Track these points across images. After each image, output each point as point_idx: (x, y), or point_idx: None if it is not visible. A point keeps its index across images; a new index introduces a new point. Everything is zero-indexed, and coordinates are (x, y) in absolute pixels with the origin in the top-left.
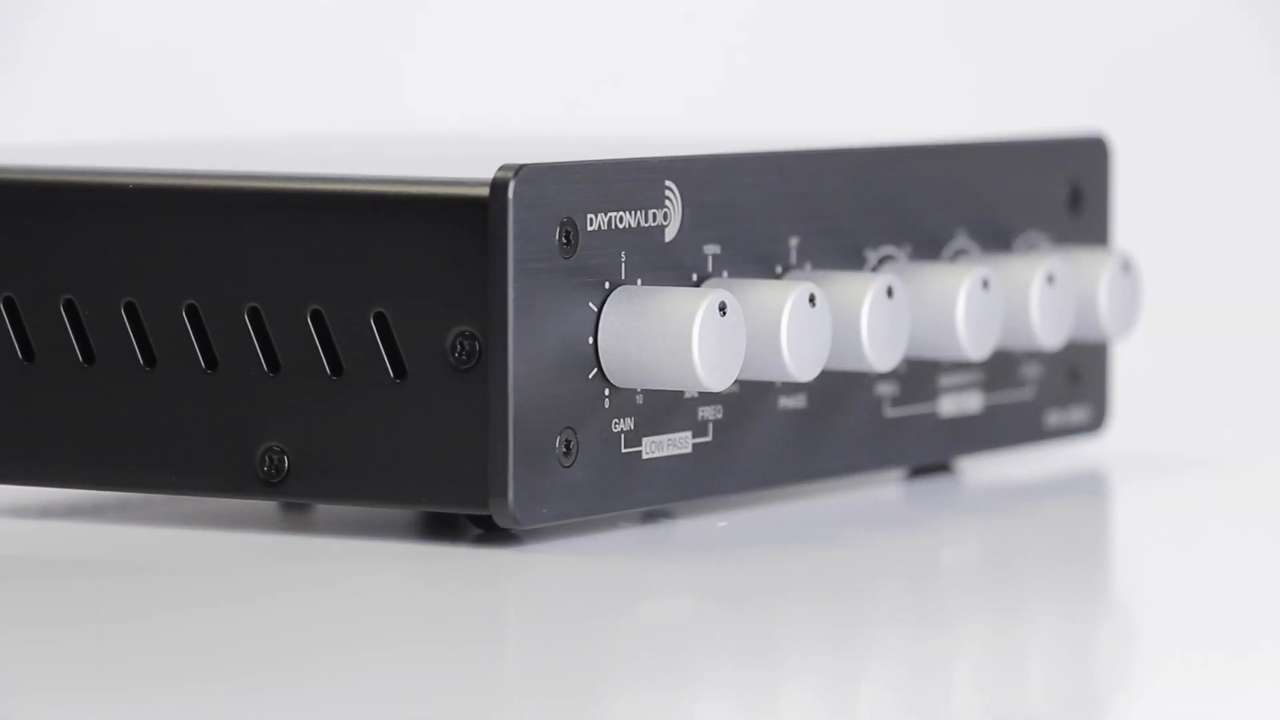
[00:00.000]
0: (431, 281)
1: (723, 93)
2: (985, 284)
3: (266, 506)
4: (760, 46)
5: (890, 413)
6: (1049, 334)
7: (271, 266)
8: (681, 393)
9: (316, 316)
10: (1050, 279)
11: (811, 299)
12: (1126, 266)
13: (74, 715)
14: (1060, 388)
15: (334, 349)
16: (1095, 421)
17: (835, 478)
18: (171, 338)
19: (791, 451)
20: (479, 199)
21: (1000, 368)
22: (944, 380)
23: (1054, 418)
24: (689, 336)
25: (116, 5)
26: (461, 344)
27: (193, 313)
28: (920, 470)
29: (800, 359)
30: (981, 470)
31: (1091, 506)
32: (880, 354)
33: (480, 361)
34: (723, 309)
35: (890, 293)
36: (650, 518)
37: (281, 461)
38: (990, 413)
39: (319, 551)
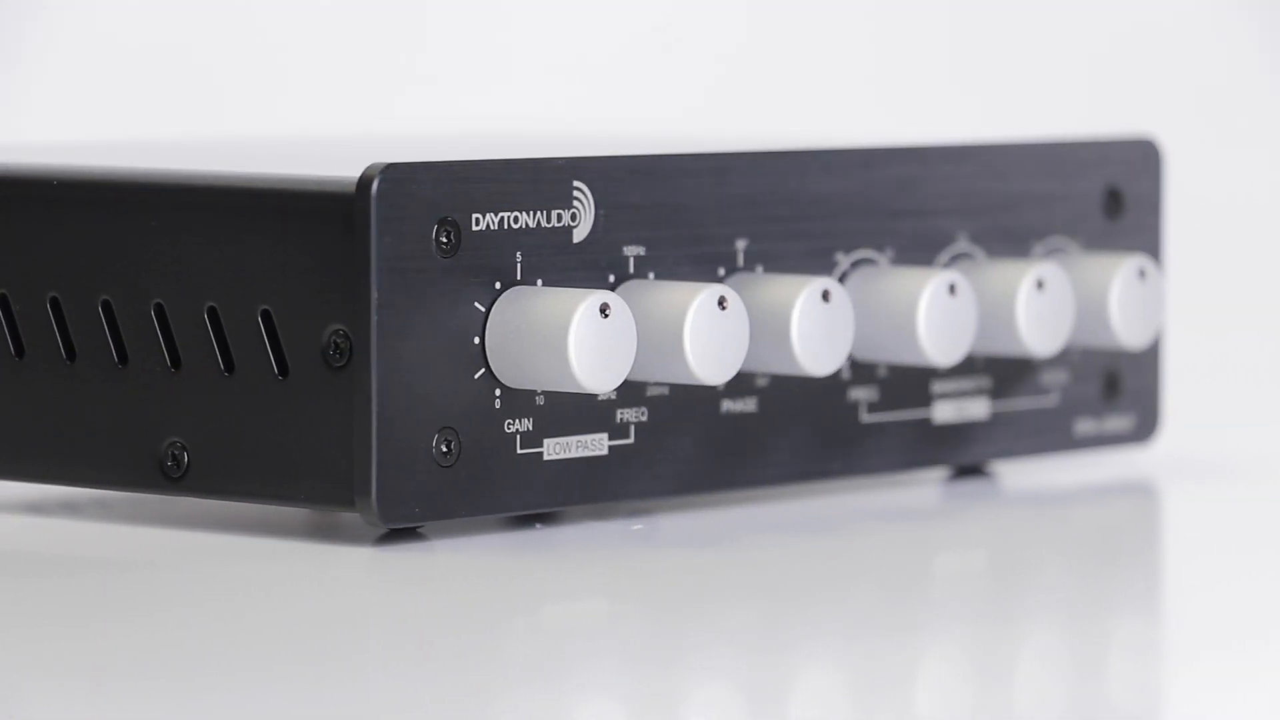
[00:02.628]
0: (310, 279)
1: (724, 94)
2: (952, 288)
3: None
4: (757, 46)
5: (867, 418)
6: (1039, 340)
7: (173, 263)
8: (595, 394)
9: (212, 313)
10: (1040, 284)
11: (721, 301)
12: (1143, 273)
13: None
14: (1093, 395)
15: (227, 346)
16: (1142, 431)
17: (787, 484)
18: (89, 333)
19: (736, 456)
20: (347, 197)
21: (1015, 374)
22: (939, 387)
23: (1086, 426)
24: (565, 337)
25: (115, 5)
26: (336, 342)
27: (107, 308)
28: (960, 473)
29: (703, 360)
30: (1017, 476)
31: (1128, 513)
32: (813, 358)
33: (351, 360)
34: (604, 310)
35: (826, 296)
36: (571, 519)
37: (182, 457)
38: (1000, 420)
39: (225, 550)
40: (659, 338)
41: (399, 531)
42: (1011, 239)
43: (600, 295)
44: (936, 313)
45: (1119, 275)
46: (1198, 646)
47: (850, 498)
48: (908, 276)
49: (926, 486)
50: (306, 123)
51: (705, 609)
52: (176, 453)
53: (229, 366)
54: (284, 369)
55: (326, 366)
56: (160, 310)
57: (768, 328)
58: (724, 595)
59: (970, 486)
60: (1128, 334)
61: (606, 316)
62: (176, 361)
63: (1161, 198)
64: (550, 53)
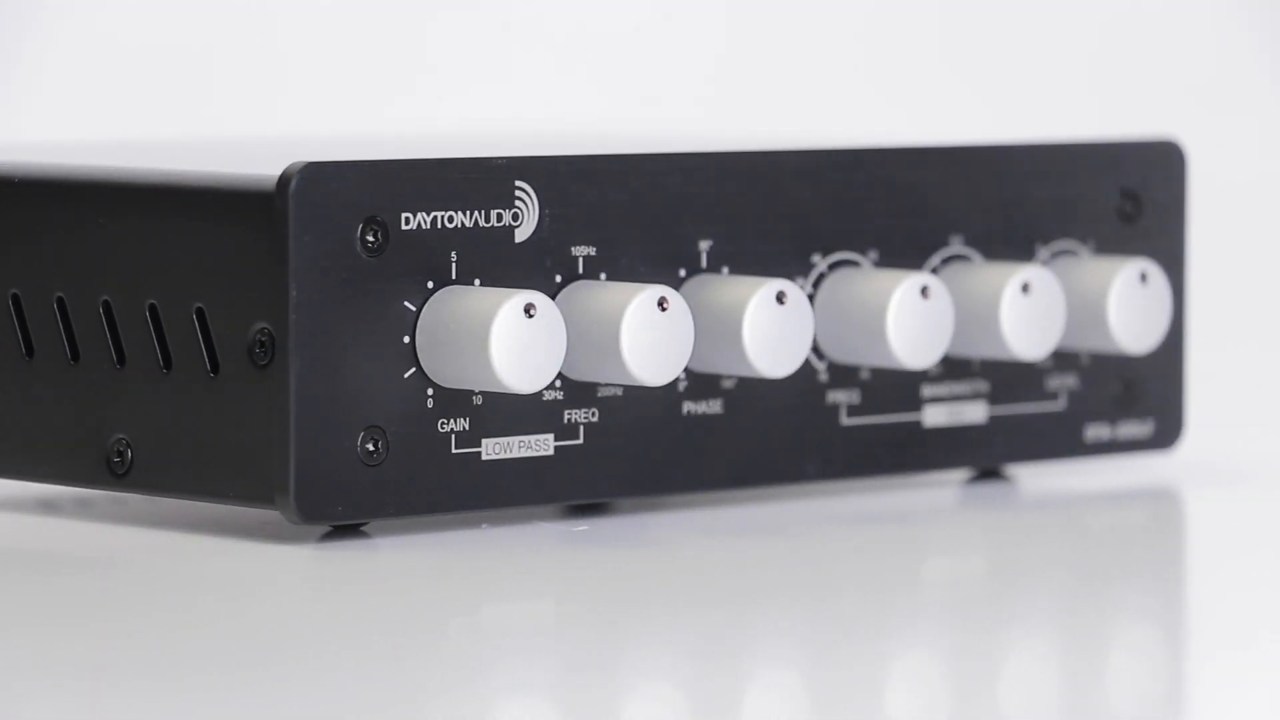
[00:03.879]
0: (239, 278)
1: (733, 96)
2: (924, 291)
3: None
4: (759, 47)
5: (848, 421)
6: (1024, 343)
7: (120, 260)
8: (540, 394)
9: (153, 310)
10: (1025, 288)
11: (661, 302)
12: (1145, 277)
13: None
14: (1107, 401)
15: (165, 343)
16: (1164, 437)
17: (755, 487)
18: (46, 330)
19: (697, 459)
20: (269, 195)
21: (1016, 378)
22: (929, 390)
23: (1099, 432)
24: (487, 337)
25: (114, 5)
26: (260, 340)
27: (61, 305)
28: (980, 477)
29: (641, 361)
30: (1035, 481)
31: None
32: (766, 360)
33: (274, 358)
34: (529, 310)
35: (781, 298)
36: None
37: (127, 453)
38: (1001, 425)
39: (167, 548)
40: (599, 338)
41: (342, 530)
42: (1014, 242)
43: (526, 295)
44: (907, 315)
45: (1118, 279)
46: (1211, 654)
47: (844, 500)
48: (880, 279)
49: (945, 489)
50: (304, 123)
51: (650, 612)
52: (122, 449)
53: (167, 363)
54: (215, 366)
55: (252, 364)
56: (108, 307)
57: (721, 330)
58: (674, 599)
59: (985, 490)
60: (1128, 338)
61: (532, 316)
62: (122, 358)
63: (1185, 201)
64: (548, 54)
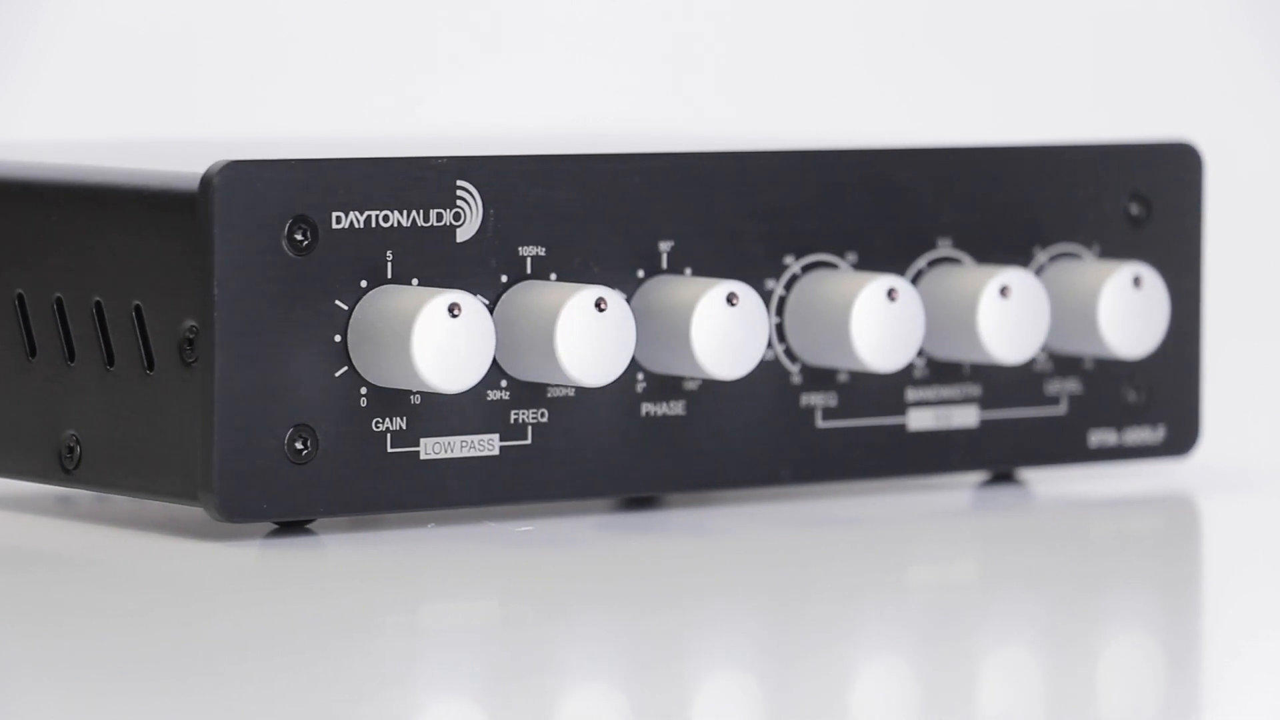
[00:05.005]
0: (172, 275)
1: (752, 97)
2: (891, 294)
3: None
4: (763, 47)
5: (824, 424)
6: (1003, 346)
7: (71, 258)
8: (484, 394)
9: (98, 308)
10: (1004, 290)
11: (599, 303)
12: (1138, 280)
13: None
14: (1114, 406)
15: (109, 340)
16: (1177, 444)
17: (721, 489)
18: (4, 326)
19: (656, 460)
20: (194, 194)
21: (1012, 382)
22: (915, 394)
23: (1105, 438)
24: (409, 336)
25: (111, 4)
26: (189, 338)
27: (20, 302)
28: (994, 480)
29: (577, 361)
30: (1047, 486)
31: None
32: (716, 361)
33: (200, 356)
34: (453, 310)
35: (732, 300)
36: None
37: (76, 449)
38: (994, 429)
39: (111, 545)
40: (536, 338)
41: (288, 528)
42: (1010, 245)
43: (451, 295)
44: (873, 318)
45: (1110, 283)
46: (1204, 664)
47: (835, 502)
48: (846, 281)
49: (958, 492)
50: (303, 123)
51: (590, 614)
52: (71, 445)
53: (109, 360)
54: (150, 363)
55: (182, 362)
56: (60, 304)
57: (672, 331)
58: (619, 599)
59: (994, 495)
60: (1120, 342)
61: (456, 316)
62: (72, 354)
63: (1201, 204)
64: (528, 54)
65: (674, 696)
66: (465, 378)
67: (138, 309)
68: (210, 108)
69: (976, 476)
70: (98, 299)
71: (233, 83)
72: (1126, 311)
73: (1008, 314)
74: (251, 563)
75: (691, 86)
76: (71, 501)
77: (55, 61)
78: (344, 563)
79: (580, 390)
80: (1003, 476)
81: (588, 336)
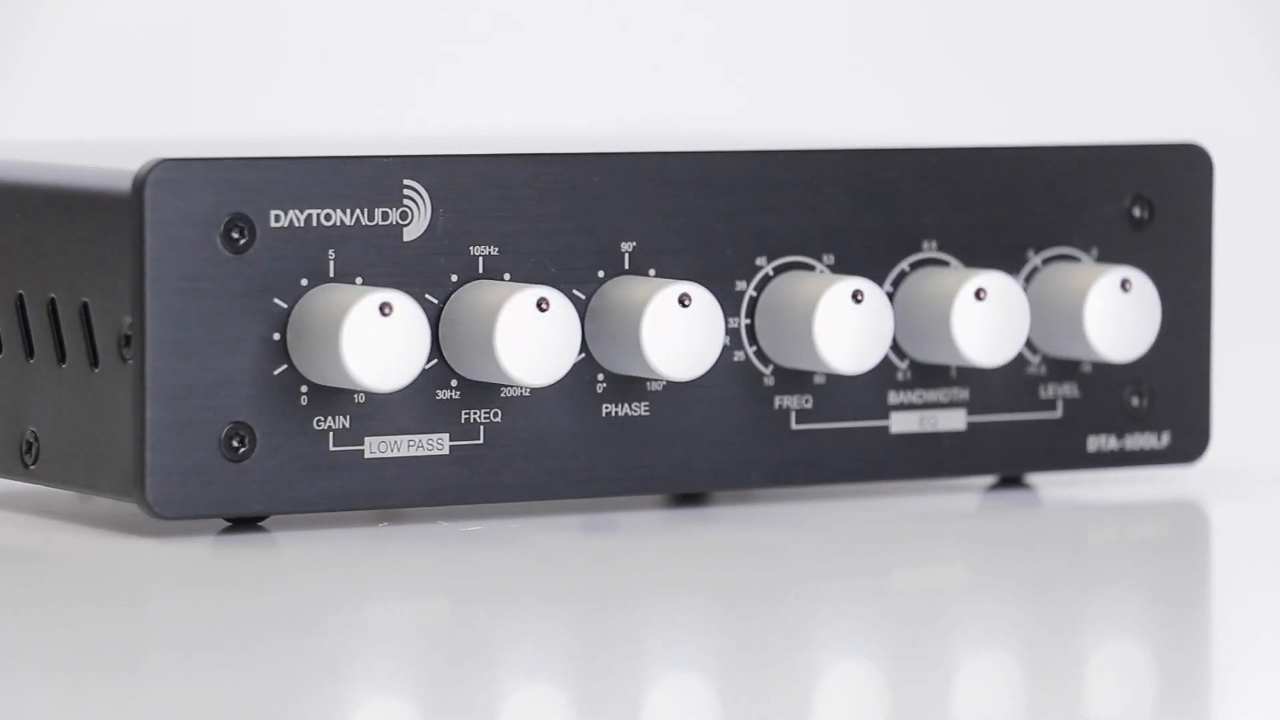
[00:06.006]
0: (113, 273)
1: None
2: (856, 296)
3: None
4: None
5: (798, 426)
6: (978, 349)
7: (29, 255)
8: (434, 392)
9: (51, 305)
10: (979, 294)
11: (540, 303)
12: (1126, 284)
13: None
14: (1114, 411)
15: (60, 337)
16: (1185, 451)
17: (685, 492)
18: None
19: (618, 462)
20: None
21: (1002, 386)
22: (897, 397)
23: (1105, 443)
24: (338, 334)
25: (111, 4)
26: (126, 335)
27: None
28: (1003, 483)
29: (517, 361)
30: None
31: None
32: (666, 362)
33: (135, 353)
34: (384, 309)
35: (684, 301)
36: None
37: (35, 445)
38: (983, 433)
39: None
40: (478, 338)
41: (239, 524)
42: (1003, 248)
43: (382, 294)
44: (837, 320)
45: (1096, 286)
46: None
47: (830, 503)
48: (813, 282)
49: (962, 495)
50: (301, 123)
51: (535, 615)
52: (31, 440)
53: (62, 357)
54: (95, 360)
55: (121, 359)
56: (20, 301)
57: (625, 332)
58: (560, 598)
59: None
60: (1106, 346)
61: (387, 315)
62: (31, 351)
63: (1211, 207)
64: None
65: (624, 699)
66: (397, 377)
67: (85, 306)
68: (211, 107)
69: (983, 480)
70: (52, 296)
71: (232, 83)
72: (1114, 315)
73: (984, 317)
74: (204, 558)
75: (687, 88)
76: (89, 501)
77: (55, 61)
78: (295, 560)
79: (536, 390)
80: (1010, 481)
81: (529, 336)
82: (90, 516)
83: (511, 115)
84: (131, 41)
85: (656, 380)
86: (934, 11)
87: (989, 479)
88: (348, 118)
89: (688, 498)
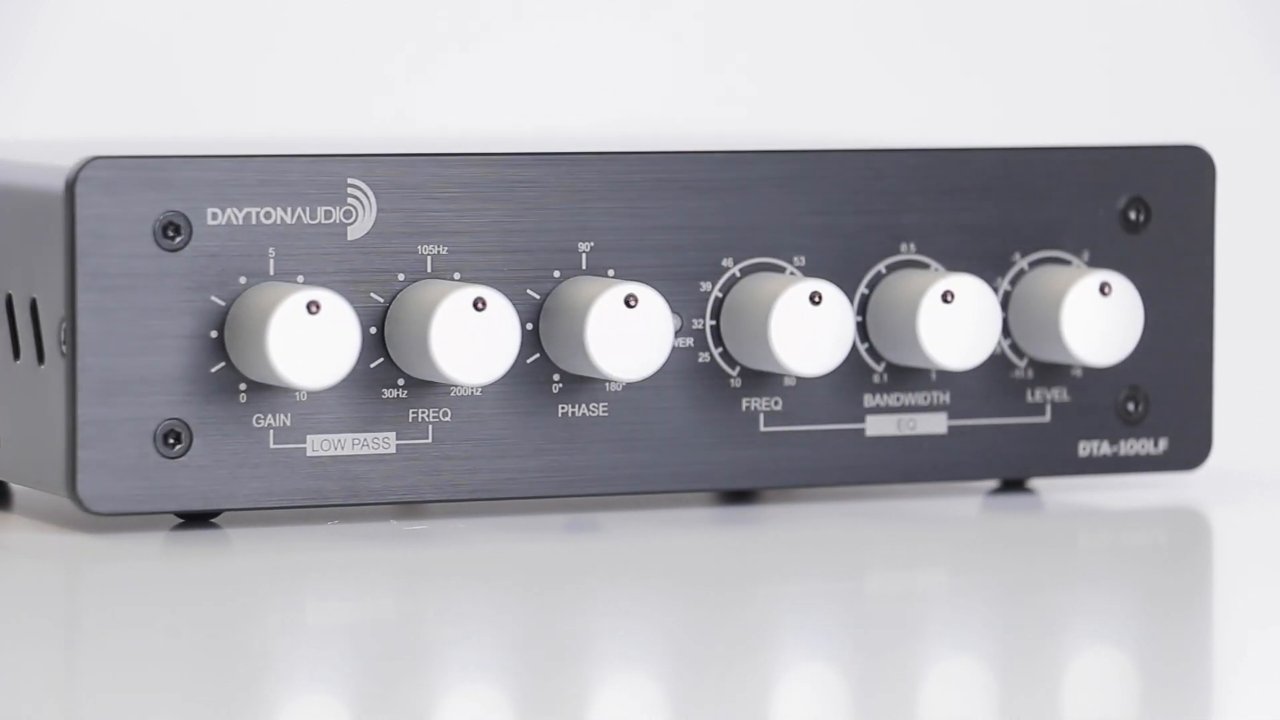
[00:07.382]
0: (56, 270)
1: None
2: (815, 298)
3: None
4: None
5: (767, 429)
6: (944, 352)
7: None
8: (379, 391)
9: (8, 301)
10: (946, 296)
11: (478, 303)
12: (1105, 288)
13: None
14: (1107, 416)
15: (15, 333)
16: (1185, 458)
17: (644, 493)
18: None
19: (574, 462)
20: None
21: (987, 390)
22: (874, 399)
23: (1096, 448)
24: (265, 333)
25: (111, 4)
26: (64, 332)
27: None
28: (1004, 487)
29: (452, 360)
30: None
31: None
32: (611, 362)
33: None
34: (311, 308)
35: (630, 301)
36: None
37: (1, 442)
38: (967, 436)
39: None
40: (416, 337)
41: (193, 520)
42: (987, 251)
43: (311, 292)
44: (793, 321)
45: (1073, 290)
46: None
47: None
48: (771, 284)
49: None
50: (299, 123)
51: (483, 614)
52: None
53: (15, 353)
54: (41, 357)
55: (60, 355)
56: None
57: (571, 332)
58: (506, 596)
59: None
60: (1083, 349)
61: (315, 314)
62: None
63: (1213, 210)
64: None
65: (572, 699)
66: (325, 375)
67: (34, 303)
68: (210, 108)
69: (984, 485)
70: (9, 293)
71: (232, 82)
72: (1092, 319)
73: (952, 320)
74: (153, 554)
75: (687, 88)
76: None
77: (55, 61)
78: (243, 557)
79: (486, 390)
80: (1013, 485)
81: (465, 336)
82: (45, 511)
83: (509, 116)
84: (131, 42)
85: (607, 381)
86: (934, 12)
87: (990, 483)
88: (348, 118)
89: (656, 499)
